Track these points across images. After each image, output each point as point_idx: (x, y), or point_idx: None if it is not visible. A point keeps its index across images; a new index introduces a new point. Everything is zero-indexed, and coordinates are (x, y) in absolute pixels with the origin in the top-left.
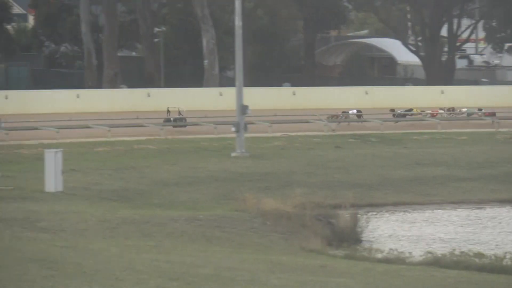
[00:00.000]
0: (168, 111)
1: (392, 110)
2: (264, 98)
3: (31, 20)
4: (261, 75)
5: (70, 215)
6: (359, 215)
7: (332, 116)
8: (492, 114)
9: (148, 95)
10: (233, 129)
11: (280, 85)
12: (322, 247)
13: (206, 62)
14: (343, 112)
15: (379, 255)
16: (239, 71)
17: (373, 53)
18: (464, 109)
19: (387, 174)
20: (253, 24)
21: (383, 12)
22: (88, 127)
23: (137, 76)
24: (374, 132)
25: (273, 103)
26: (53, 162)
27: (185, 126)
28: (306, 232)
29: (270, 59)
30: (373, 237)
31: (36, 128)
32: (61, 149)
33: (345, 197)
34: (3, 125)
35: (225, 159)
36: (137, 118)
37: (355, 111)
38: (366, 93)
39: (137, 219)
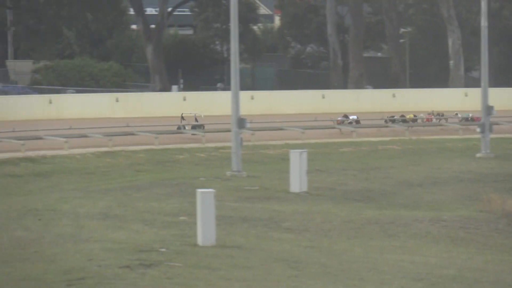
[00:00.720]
0: (182, 118)
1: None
2: (510, 99)
3: (277, 20)
4: (507, 75)
5: (315, 215)
6: None
7: (339, 121)
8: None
9: (393, 96)
10: (478, 130)
11: None
12: None
13: (451, 62)
14: (343, 116)
15: None
16: (484, 71)
17: None
18: (459, 115)
19: None
20: (500, 24)
21: None
22: (333, 127)
23: (382, 77)
24: None
25: None
26: (298, 162)
27: (203, 134)
28: None
29: None
30: None
31: (281, 129)
32: (306, 150)
33: None
34: (249, 125)
35: (470, 159)
36: (381, 119)
37: (355, 117)
38: None
39: (381, 220)
